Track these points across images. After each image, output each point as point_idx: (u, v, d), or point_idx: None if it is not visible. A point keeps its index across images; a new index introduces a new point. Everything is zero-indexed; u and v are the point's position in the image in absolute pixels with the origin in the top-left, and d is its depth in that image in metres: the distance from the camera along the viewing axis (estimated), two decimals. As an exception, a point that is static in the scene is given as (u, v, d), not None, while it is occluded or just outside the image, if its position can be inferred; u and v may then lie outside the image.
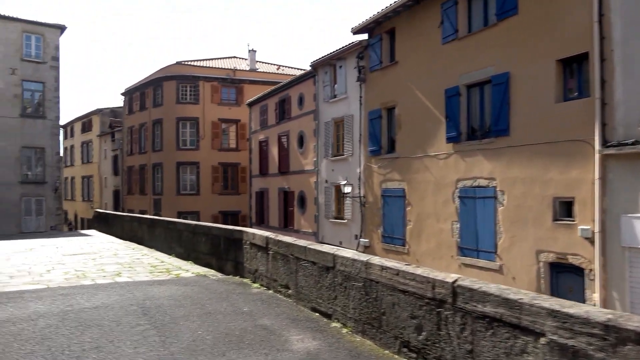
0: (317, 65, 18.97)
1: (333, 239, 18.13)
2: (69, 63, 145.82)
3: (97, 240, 15.86)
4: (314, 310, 5.71)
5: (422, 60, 14.05)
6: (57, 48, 30.46)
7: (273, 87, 24.07)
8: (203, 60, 36.18)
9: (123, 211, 37.83)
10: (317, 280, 5.71)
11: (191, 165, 33.32)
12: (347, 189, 15.88)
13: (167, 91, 33.30)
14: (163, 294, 6.79)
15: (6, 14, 28.38)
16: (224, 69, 34.55)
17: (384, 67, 15.40)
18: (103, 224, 19.34)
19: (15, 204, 28.02)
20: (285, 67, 38.46)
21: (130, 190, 37.76)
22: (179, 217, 32.77)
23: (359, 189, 16.29)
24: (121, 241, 15.55)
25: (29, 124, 28.93)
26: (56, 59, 30.45)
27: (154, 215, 33.18)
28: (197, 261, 10.44)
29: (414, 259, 13.68)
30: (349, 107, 17.16)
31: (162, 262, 10.81)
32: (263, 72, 35.82)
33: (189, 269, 9.59)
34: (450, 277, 3.78)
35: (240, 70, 34.73)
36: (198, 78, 32.98)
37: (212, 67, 34.66)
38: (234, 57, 38.94)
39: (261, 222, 26.23)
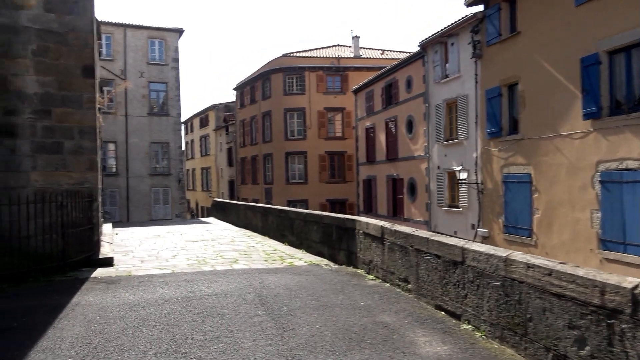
0: (426, 45, 17.90)
1: (447, 229, 17.12)
2: (186, 63, 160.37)
3: (215, 228, 16.81)
4: (439, 308, 5.16)
5: (550, 27, 12.37)
6: (176, 50, 32.95)
7: (378, 72, 23.41)
8: (308, 50, 36.67)
9: (237, 200, 40.15)
10: (442, 276, 5.14)
11: (299, 155, 34.09)
12: (463, 175, 14.77)
13: (275, 83, 34.34)
14: (279, 282, 6.73)
15: (135, 23, 31.38)
16: (329, 57, 34.64)
17: (504, 40, 13.89)
18: (220, 212, 20.54)
19: (146, 194, 31.16)
20: (390, 51, 37.42)
21: (243, 180, 39.90)
22: (288, 206, 33.81)
23: (476, 174, 15.07)
24: (237, 229, 16.29)
25: (156, 121, 31.83)
26: (176, 60, 32.95)
27: (265, 203, 34.70)
28: (309, 250, 10.41)
29: (542, 252, 12.26)
30: (463, 86, 15.91)
31: (276, 250, 10.97)
32: (367, 58, 35.25)
33: (301, 258, 9.56)
34: (627, 282, 3.00)
35: (344, 57, 34.56)
36: (303, 69, 33.49)
37: (316, 57, 34.97)
38: (338, 45, 38.89)
39: (369, 211, 25.92)
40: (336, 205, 33.93)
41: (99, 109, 11.80)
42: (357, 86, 27.28)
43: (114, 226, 18.04)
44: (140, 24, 32.01)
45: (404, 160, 20.82)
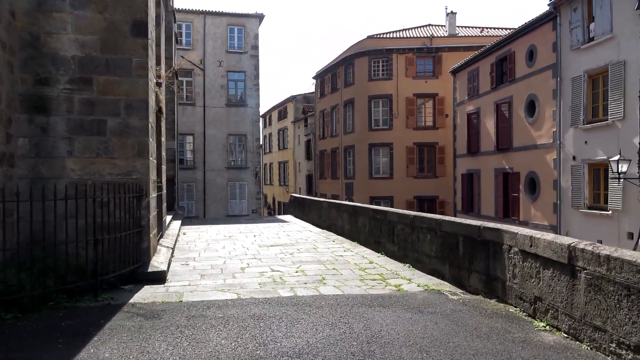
0: (560, 2, 14.33)
1: (585, 236, 13.57)
2: (266, 51, 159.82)
3: (293, 228, 14.77)
4: None
5: None
6: (256, 37, 31.81)
7: (488, 46, 19.91)
8: (396, 31, 33.73)
9: (316, 195, 38.45)
10: None
11: (384, 147, 31.40)
12: (623, 167, 11.27)
13: (359, 68, 31.89)
14: (393, 328, 4.36)
15: (215, 10, 30.63)
16: (419, 37, 31.46)
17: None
18: (299, 209, 18.54)
19: (223, 188, 30.29)
20: (491, 28, 33.32)
21: (322, 175, 38.03)
22: (371, 203, 31.38)
23: (639, 166, 11.46)
24: (318, 230, 14.10)
25: (233, 113, 30.89)
26: (255, 47, 31.79)
27: (345, 199, 32.49)
28: (418, 265, 7.93)
29: None
30: (618, 50, 12.29)
31: (371, 262, 8.61)
32: (465, 36, 31.53)
33: (410, 278, 7.13)
34: None
35: (437, 37, 31.17)
36: (391, 51, 30.66)
37: (405, 38, 31.93)
38: (429, 25, 35.47)
39: (469, 210, 22.61)
40: (425, 203, 30.94)
41: (158, 82, 10.03)
42: (457, 65, 23.93)
43: (185, 223, 16.70)
44: (220, 11, 31.22)
45: (521, 151, 17.32)
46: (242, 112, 31.22)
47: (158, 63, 10.43)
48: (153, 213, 7.78)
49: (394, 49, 30.62)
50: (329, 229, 13.73)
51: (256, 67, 31.87)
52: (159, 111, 9.51)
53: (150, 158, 7.39)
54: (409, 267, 8.18)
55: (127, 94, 6.94)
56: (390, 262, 8.65)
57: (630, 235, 11.94)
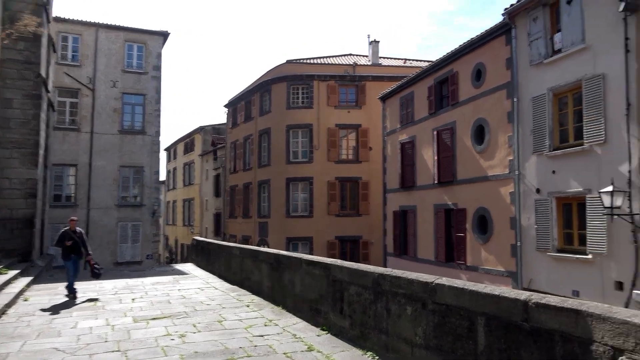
0: (516, 12, 12.53)
1: (558, 286, 11.36)
2: (171, 75, 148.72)
3: (193, 285, 10.99)
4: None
5: None
6: (159, 57, 28.02)
7: (425, 67, 17.92)
8: (317, 58, 31.69)
9: (224, 237, 34.28)
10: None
11: (303, 182, 28.48)
12: (617, 201, 9.16)
13: (276, 95, 29.09)
14: None
15: (109, 23, 26.47)
16: (342, 65, 29.59)
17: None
18: (202, 256, 14.67)
19: (111, 230, 25.21)
20: (413, 60, 32.56)
21: (232, 213, 34.06)
22: (288, 244, 28.16)
23: (629, 200, 9.47)
24: (227, 286, 10.51)
25: (128, 141, 26.37)
26: (158, 68, 27.91)
27: (259, 240, 28.90)
28: (390, 356, 4.94)
29: None
30: (594, 62, 10.52)
31: (310, 349, 5.70)
32: (389, 66, 30.26)
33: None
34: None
35: (361, 65, 29.52)
36: (312, 77, 28.34)
37: (327, 65, 29.91)
38: (350, 54, 34.00)
39: (403, 253, 20.09)
40: (347, 244, 28.39)
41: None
42: (387, 90, 21.90)
43: (43, 280, 12.18)
44: (116, 24, 26.93)
45: (468, 183, 15.18)
46: (139, 141, 26.68)
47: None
48: None
49: (315, 75, 28.38)
50: (242, 284, 10.19)
51: (158, 91, 27.80)
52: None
53: None
54: (372, 357, 5.13)
55: None
56: (340, 348, 5.56)
57: (619, 286, 9.87)
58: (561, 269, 11.41)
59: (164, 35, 28.06)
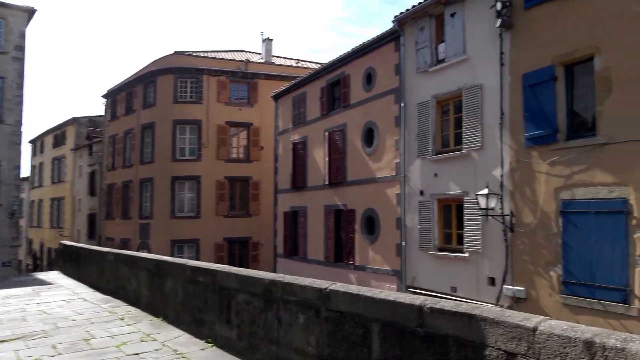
0: (405, 20, 13.07)
1: (438, 282, 12.03)
2: (38, 60, 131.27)
3: (57, 296, 9.66)
4: None
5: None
6: (22, 35, 24.95)
7: (318, 68, 18.00)
8: (208, 52, 30.40)
9: (100, 240, 31.42)
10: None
11: (190, 181, 27.15)
12: (481, 202, 9.90)
13: (162, 88, 27.33)
14: None
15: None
16: (234, 60, 28.74)
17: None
18: (71, 263, 13.04)
19: (-41, 234, 21.66)
20: (306, 61, 32.81)
21: (110, 214, 31.31)
22: (173, 246, 26.67)
23: (501, 202, 10.31)
24: (99, 297, 9.41)
25: (-18, 130, 22.91)
26: (21, 48, 24.81)
27: (139, 243, 26.91)
28: None
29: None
30: (473, 73, 11.29)
31: None
32: (282, 65, 30.08)
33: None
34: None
35: (253, 62, 28.94)
36: (202, 71, 27.12)
37: (219, 59, 28.84)
38: (243, 50, 33.23)
39: (293, 254, 19.98)
40: (236, 245, 27.80)
41: None
42: (280, 89, 21.66)
43: None
44: (-30, -5, 23.22)
45: (357, 185, 15.52)
46: (-5, 131, 23.34)
47: None
48: None
49: (205, 70, 27.22)
50: (117, 294, 9.18)
51: (20, 74, 24.74)
52: None
53: None
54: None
55: None
56: (228, 362, 5.02)
57: (492, 281, 10.71)
58: (441, 266, 12.12)
59: (30, 12, 24.99)
